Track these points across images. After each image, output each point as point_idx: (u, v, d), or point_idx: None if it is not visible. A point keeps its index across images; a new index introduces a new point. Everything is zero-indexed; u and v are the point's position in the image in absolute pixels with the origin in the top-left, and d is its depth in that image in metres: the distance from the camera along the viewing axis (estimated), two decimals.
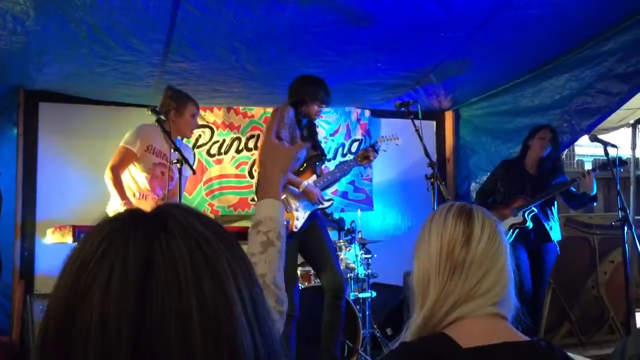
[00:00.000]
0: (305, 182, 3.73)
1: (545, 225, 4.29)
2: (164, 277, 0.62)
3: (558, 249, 4.38)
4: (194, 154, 5.16)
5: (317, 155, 3.90)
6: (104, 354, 0.59)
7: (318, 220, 3.87)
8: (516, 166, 4.43)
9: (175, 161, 3.40)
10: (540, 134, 4.33)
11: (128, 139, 3.71)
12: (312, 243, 3.77)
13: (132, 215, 0.69)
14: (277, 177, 1.47)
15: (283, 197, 3.70)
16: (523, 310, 1.24)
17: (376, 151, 3.91)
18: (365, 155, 3.90)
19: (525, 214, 4.23)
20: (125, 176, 3.73)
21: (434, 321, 1.17)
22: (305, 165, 3.83)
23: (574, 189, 4.27)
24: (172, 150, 3.48)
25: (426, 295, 1.20)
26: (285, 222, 3.61)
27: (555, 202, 4.42)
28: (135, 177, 3.76)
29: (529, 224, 4.22)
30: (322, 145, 4.20)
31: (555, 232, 4.36)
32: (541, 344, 1.13)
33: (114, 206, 3.69)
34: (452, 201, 1.31)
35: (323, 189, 3.88)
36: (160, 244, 0.64)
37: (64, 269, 0.65)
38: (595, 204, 4.40)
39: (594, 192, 4.17)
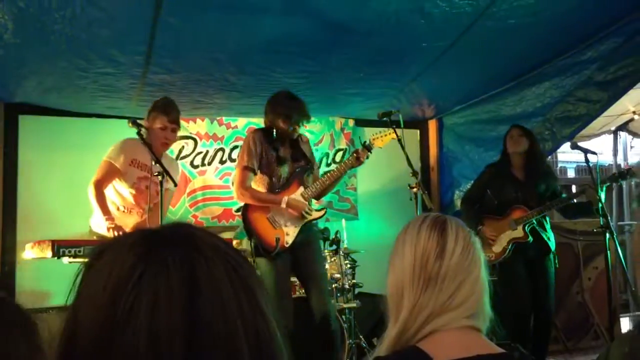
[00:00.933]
0: (285, 198, 3.66)
1: (544, 236, 4.14)
2: (210, 299, 0.63)
3: (553, 260, 4.20)
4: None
5: (302, 166, 3.83)
6: None
7: (313, 236, 3.84)
8: (504, 172, 4.25)
9: (157, 174, 3.37)
10: (509, 134, 4.25)
11: (112, 154, 3.67)
12: (304, 263, 3.74)
13: (155, 235, 0.69)
14: None
15: (269, 215, 3.68)
16: (498, 322, 1.23)
17: (369, 150, 3.77)
18: (357, 156, 3.76)
19: (526, 228, 4.07)
20: (109, 191, 3.70)
21: (408, 335, 1.16)
22: (290, 179, 3.76)
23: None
24: (154, 163, 3.45)
25: (400, 308, 1.19)
26: (276, 238, 3.60)
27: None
28: (120, 192, 3.73)
29: (530, 239, 4.06)
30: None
31: (552, 243, 4.20)
32: (515, 355, 1.13)
33: (97, 220, 3.66)
34: (427, 212, 1.30)
35: (314, 197, 3.80)
36: (201, 267, 0.65)
37: (91, 292, 0.64)
38: (593, 213, 4.06)
39: (601, 205, 3.82)
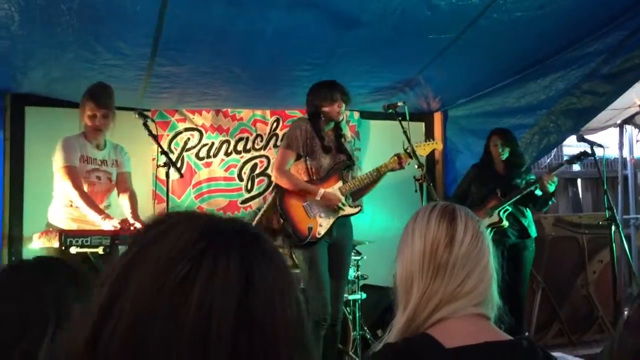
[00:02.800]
0: (321, 190, 3.68)
1: (523, 222, 4.48)
2: (262, 296, 0.65)
3: (534, 246, 4.54)
4: (177, 158, 5.17)
5: (343, 161, 3.85)
6: (200, 347, 0.60)
7: (348, 238, 3.88)
8: (487, 169, 4.65)
9: (163, 164, 3.38)
10: (492, 141, 4.59)
11: (62, 159, 3.57)
12: (334, 265, 3.77)
13: (219, 224, 0.71)
14: None
15: (305, 203, 3.70)
16: (506, 309, 1.24)
17: (410, 157, 3.78)
18: (399, 160, 3.80)
19: (500, 213, 4.39)
20: (63, 186, 3.61)
21: (418, 322, 1.18)
22: (330, 172, 3.78)
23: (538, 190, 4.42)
24: (160, 154, 3.47)
25: (410, 296, 1.20)
26: (309, 227, 3.63)
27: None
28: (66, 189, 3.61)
29: (505, 223, 4.38)
30: None
31: (532, 229, 4.54)
32: (523, 343, 1.14)
33: (55, 211, 3.63)
34: (436, 201, 1.31)
35: (351, 194, 3.83)
36: (257, 267, 0.66)
37: (146, 259, 0.65)
38: (552, 201, 4.56)
39: (551, 190, 4.33)
